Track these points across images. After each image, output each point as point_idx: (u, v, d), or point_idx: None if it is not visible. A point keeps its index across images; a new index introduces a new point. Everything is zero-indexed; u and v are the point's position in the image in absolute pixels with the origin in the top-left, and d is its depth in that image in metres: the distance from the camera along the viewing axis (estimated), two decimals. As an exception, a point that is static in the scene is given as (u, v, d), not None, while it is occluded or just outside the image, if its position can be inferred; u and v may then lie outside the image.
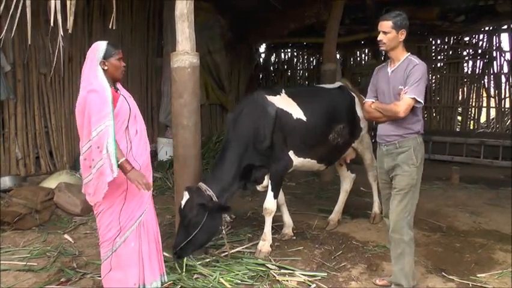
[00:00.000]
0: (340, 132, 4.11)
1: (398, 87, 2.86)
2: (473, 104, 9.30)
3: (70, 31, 3.10)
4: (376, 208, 4.64)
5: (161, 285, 2.95)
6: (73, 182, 5.11)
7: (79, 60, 6.03)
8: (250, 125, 3.67)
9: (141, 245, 2.78)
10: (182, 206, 3.40)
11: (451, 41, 9.38)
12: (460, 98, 9.40)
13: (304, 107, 3.88)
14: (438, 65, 9.58)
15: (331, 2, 6.53)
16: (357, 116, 4.36)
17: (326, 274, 3.38)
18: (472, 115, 9.35)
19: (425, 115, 9.26)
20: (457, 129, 9.37)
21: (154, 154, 7.13)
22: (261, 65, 11.13)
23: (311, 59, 11.02)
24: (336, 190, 5.03)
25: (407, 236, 2.93)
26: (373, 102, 3.06)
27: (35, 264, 3.55)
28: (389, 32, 2.84)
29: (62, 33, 3.02)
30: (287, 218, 4.29)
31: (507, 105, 9.02)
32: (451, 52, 9.46)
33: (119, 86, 2.79)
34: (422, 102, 2.82)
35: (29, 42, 3.48)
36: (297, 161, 3.89)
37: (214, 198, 3.45)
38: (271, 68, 11.43)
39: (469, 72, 9.32)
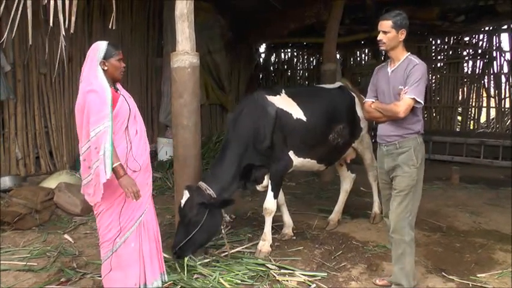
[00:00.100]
0: (340, 133, 4.10)
1: (398, 87, 2.86)
2: (473, 104, 9.30)
3: (72, 31, 3.10)
4: (376, 208, 4.64)
5: (162, 284, 2.96)
6: (73, 182, 5.11)
7: (79, 60, 6.03)
8: (250, 125, 3.67)
9: (142, 245, 2.78)
10: (182, 205, 3.40)
11: (451, 41, 9.38)
12: (460, 98, 9.39)
13: (304, 107, 3.88)
14: (438, 65, 9.57)
15: (331, 2, 6.53)
16: (357, 116, 4.36)
17: (326, 274, 3.38)
18: (472, 115, 9.35)
19: (425, 115, 9.26)
20: (457, 129, 9.36)
21: (154, 154, 7.13)
22: (261, 65, 11.13)
23: (311, 59, 11.02)
24: (336, 190, 5.03)
25: (408, 237, 2.93)
26: (373, 102, 3.06)
27: (35, 264, 3.55)
28: (389, 31, 2.83)
29: (63, 33, 3.01)
30: (287, 218, 4.29)
31: (507, 105, 9.02)
32: (451, 52, 9.46)
33: (119, 86, 2.79)
34: (422, 102, 2.81)
35: (30, 43, 3.48)
36: (297, 161, 3.89)
37: (214, 197, 3.45)
38: (271, 68, 11.43)
39: (469, 72, 9.32)
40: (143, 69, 7.65)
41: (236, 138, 3.67)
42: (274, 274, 3.35)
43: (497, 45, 8.97)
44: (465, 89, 9.34)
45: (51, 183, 5.17)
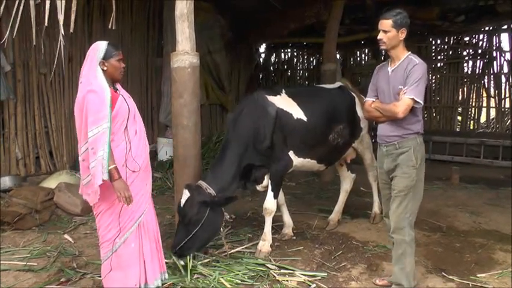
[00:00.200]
0: (340, 133, 4.10)
1: (398, 87, 2.85)
2: (473, 104, 9.30)
3: (71, 30, 3.10)
4: (376, 208, 4.64)
5: (162, 283, 2.96)
6: (73, 182, 5.11)
7: (79, 60, 6.02)
8: (250, 125, 3.67)
9: (142, 246, 2.78)
10: (182, 204, 3.39)
11: (451, 41, 9.38)
12: (460, 98, 9.39)
13: (304, 107, 3.88)
14: (438, 65, 9.57)
15: (331, 2, 6.53)
16: (357, 116, 4.36)
17: (326, 274, 3.38)
18: (472, 115, 9.34)
19: (425, 115, 9.26)
20: (457, 129, 9.36)
21: (154, 154, 7.13)
22: (261, 65, 11.13)
23: (311, 59, 11.02)
24: (336, 190, 5.03)
25: (408, 237, 2.93)
26: (373, 101, 3.05)
27: (35, 264, 3.55)
28: (389, 30, 2.81)
29: (62, 33, 3.01)
30: (287, 218, 4.29)
31: (507, 105, 9.01)
32: (450, 52, 9.46)
33: (118, 86, 2.79)
34: (422, 102, 2.80)
35: (34, 43, 3.49)
36: (297, 161, 3.89)
37: (215, 196, 3.45)
38: (271, 68, 11.43)
39: (469, 72, 9.32)
40: (143, 69, 7.65)
41: (236, 138, 3.67)
42: (274, 274, 3.35)
43: (497, 45, 8.97)
44: (465, 89, 9.34)
45: (51, 183, 5.17)
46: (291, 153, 3.82)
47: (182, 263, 3.35)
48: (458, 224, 4.65)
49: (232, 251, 3.78)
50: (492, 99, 9.16)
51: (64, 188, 4.90)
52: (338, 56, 9.39)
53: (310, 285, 3.21)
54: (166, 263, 3.16)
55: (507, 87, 8.90)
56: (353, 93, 4.46)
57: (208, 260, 3.56)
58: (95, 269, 3.40)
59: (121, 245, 2.70)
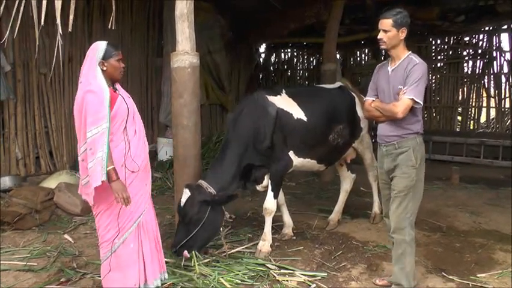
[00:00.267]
0: (340, 133, 4.10)
1: (398, 87, 2.84)
2: (473, 104, 9.30)
3: (69, 29, 3.10)
4: (376, 208, 4.63)
5: (162, 283, 2.96)
6: (73, 182, 5.11)
7: (79, 60, 6.01)
8: (250, 125, 3.67)
9: (142, 246, 2.77)
10: (183, 204, 3.39)
11: (451, 41, 9.38)
12: (460, 98, 9.39)
13: (304, 107, 3.88)
14: (438, 65, 9.57)
15: (331, 2, 6.53)
16: (357, 116, 4.36)
17: (326, 274, 3.38)
18: (472, 115, 9.34)
19: (425, 115, 9.27)
20: (457, 129, 9.36)
21: (154, 154, 7.13)
22: (261, 65, 11.13)
23: (311, 59, 11.02)
24: (336, 190, 5.03)
25: (408, 237, 2.92)
26: (373, 100, 3.05)
27: (35, 264, 3.55)
28: (389, 30, 2.80)
29: (61, 32, 3.01)
30: (287, 218, 4.29)
31: (507, 105, 9.02)
32: (450, 52, 9.46)
33: (117, 86, 2.78)
34: (421, 102, 2.79)
35: (38, 43, 3.49)
36: (297, 161, 3.88)
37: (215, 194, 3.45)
38: (271, 68, 11.43)
39: (469, 72, 9.32)
40: (143, 69, 7.65)
41: (236, 138, 3.67)
42: (274, 274, 3.35)
43: (497, 45, 8.97)
44: (465, 89, 9.34)
45: (51, 183, 5.17)
46: (291, 153, 3.82)
47: (188, 255, 3.35)
48: (458, 224, 4.65)
49: (232, 251, 3.78)
50: (492, 99, 9.16)
51: (63, 188, 4.90)
52: (338, 56, 9.39)
53: (310, 285, 3.21)
54: (167, 262, 3.16)
55: (507, 87, 8.90)
56: (353, 93, 4.46)
57: (208, 260, 3.56)
58: (95, 269, 3.40)
59: (120, 245, 2.69)
